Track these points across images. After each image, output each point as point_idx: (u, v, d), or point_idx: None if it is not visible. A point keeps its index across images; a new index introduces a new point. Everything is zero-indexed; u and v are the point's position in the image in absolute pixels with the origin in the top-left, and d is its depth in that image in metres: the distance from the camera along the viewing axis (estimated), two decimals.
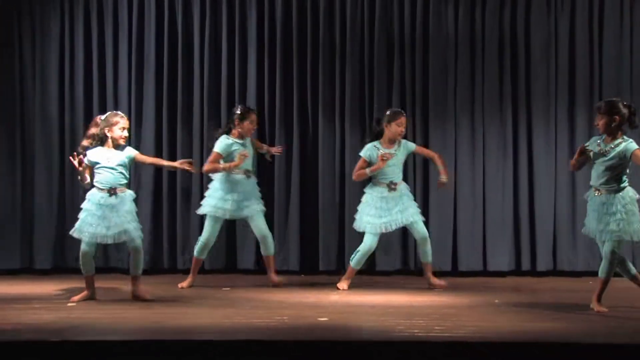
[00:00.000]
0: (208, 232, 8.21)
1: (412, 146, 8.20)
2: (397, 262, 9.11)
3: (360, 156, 8.17)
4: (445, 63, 9.15)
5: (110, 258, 9.15)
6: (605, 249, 6.90)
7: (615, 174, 6.82)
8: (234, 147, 8.11)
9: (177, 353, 5.46)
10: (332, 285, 8.26)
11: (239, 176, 8.16)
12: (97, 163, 7.31)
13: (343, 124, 9.19)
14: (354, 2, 9.19)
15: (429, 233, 8.19)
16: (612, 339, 5.80)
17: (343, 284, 8.13)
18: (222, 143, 8.17)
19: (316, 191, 9.18)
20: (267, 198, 8.66)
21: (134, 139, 8.86)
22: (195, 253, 8.29)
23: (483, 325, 6.21)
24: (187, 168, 7.56)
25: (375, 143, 8.13)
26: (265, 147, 8.57)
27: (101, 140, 7.34)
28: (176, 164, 7.72)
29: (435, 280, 8.10)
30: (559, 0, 9.11)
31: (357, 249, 8.17)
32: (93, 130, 7.36)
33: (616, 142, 6.82)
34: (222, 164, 8.11)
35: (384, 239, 8.79)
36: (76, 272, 8.97)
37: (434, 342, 5.66)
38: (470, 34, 9.16)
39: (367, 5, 9.19)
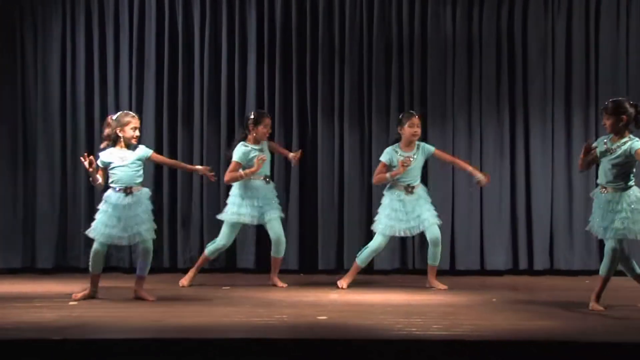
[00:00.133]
0: (226, 237, 8.20)
1: (431, 149, 8.14)
2: (395, 261, 9.14)
3: (380, 161, 8.17)
4: (443, 64, 9.18)
5: (111, 257, 9.12)
6: (607, 246, 6.95)
7: (622, 172, 6.86)
8: (252, 154, 8.11)
9: (178, 352, 5.47)
10: (331, 285, 8.28)
11: (257, 182, 8.17)
12: (111, 163, 7.32)
13: (342, 124, 9.22)
14: (353, 3, 9.22)
15: None
16: (609, 338, 5.82)
17: (343, 282, 8.14)
18: (239, 151, 8.17)
19: (315, 191, 9.20)
20: None
21: None
22: (206, 251, 8.29)
23: (481, 323, 6.22)
24: (209, 174, 7.67)
25: (395, 146, 8.14)
26: (285, 151, 8.53)
27: (114, 141, 7.37)
28: (198, 167, 7.77)
29: (436, 283, 8.10)
30: (556, 1, 9.15)
31: (365, 246, 8.19)
32: (106, 131, 7.39)
33: (623, 140, 6.86)
34: (241, 172, 8.11)
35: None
36: (77, 271, 9.09)
37: (432, 340, 5.68)
38: (468, 35, 9.19)
39: (365, 6, 9.22)
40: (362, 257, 8.17)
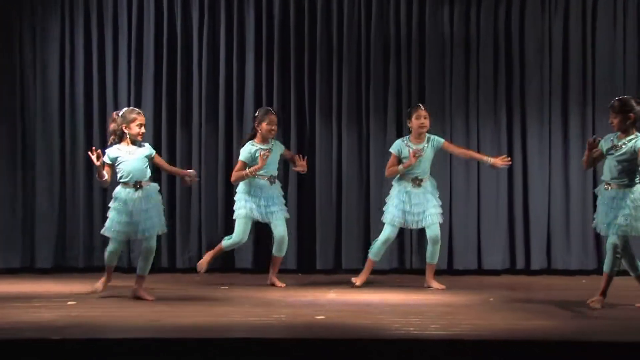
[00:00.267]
0: (240, 234, 8.15)
1: (440, 142, 8.12)
2: (393, 261, 9.15)
3: (390, 152, 8.21)
4: (440, 64, 9.19)
5: None
6: (608, 242, 6.98)
7: (627, 169, 6.90)
8: (258, 153, 8.09)
9: (176, 351, 5.48)
10: (330, 284, 8.31)
11: (262, 181, 8.15)
12: (118, 157, 7.30)
13: (340, 124, 9.23)
14: (351, 2, 9.23)
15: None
16: (607, 337, 5.83)
17: (358, 279, 8.15)
18: (245, 150, 8.19)
19: (313, 190, 9.21)
20: None
21: None
22: (223, 243, 8.27)
23: (478, 323, 6.23)
24: (187, 179, 7.62)
25: (404, 138, 8.17)
26: (293, 157, 8.36)
27: (119, 137, 7.36)
28: (186, 172, 7.74)
29: (434, 283, 8.11)
30: (553, 1, 9.16)
31: (376, 239, 8.20)
32: (112, 127, 7.38)
33: (629, 137, 6.90)
34: (245, 170, 8.11)
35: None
36: (76, 271, 9.11)
37: (430, 340, 5.69)
38: (466, 35, 9.20)
39: (363, 5, 9.23)
40: (374, 250, 8.18)
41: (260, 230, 8.56)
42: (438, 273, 8.30)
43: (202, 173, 9.25)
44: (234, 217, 8.29)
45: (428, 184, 8.11)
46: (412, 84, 9.19)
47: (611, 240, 6.95)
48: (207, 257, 8.31)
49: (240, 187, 8.24)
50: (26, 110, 9.36)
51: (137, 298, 7.34)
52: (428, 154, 8.08)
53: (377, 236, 9.05)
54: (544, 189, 9.12)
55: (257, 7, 9.27)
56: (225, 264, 9.19)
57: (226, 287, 8.16)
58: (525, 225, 9.14)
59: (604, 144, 7.03)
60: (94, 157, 7.20)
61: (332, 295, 7.71)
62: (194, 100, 9.30)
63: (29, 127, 9.35)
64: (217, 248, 8.33)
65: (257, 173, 8.11)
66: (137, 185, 7.32)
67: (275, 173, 8.24)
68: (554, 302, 7.26)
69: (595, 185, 8.60)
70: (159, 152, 8.97)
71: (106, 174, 7.29)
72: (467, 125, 9.16)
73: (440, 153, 8.28)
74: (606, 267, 7.01)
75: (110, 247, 7.48)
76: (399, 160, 8.09)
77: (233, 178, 8.25)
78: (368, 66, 9.22)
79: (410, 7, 9.20)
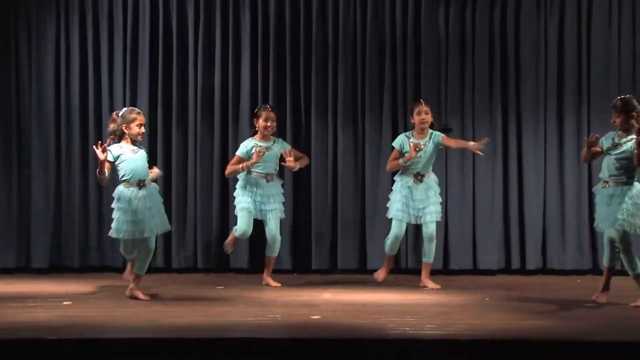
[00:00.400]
0: (241, 227, 8.15)
1: (440, 137, 8.12)
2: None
3: (393, 147, 8.25)
4: (436, 64, 9.19)
5: (105, 257, 9.21)
6: (605, 237, 7.06)
7: (626, 167, 6.96)
8: (254, 149, 8.12)
9: (172, 351, 5.49)
10: (325, 284, 8.32)
11: (258, 178, 8.17)
12: (121, 155, 7.25)
13: (336, 123, 9.23)
14: (346, 2, 9.23)
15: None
16: (602, 337, 5.85)
17: (379, 274, 8.19)
18: (242, 145, 8.22)
19: (309, 190, 9.21)
20: None
21: None
22: (235, 231, 8.26)
23: (474, 323, 6.24)
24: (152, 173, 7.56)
25: (407, 133, 8.20)
26: (287, 155, 8.22)
27: (119, 137, 7.34)
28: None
29: (429, 282, 8.12)
30: (548, 2, 9.18)
31: (387, 236, 8.21)
32: (112, 127, 7.36)
33: (630, 137, 6.97)
34: (240, 165, 8.14)
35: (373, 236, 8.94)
36: (72, 271, 9.11)
37: (426, 340, 5.70)
38: (461, 36, 9.20)
39: (359, 5, 9.23)
40: (388, 247, 8.21)
41: (255, 230, 8.55)
42: (433, 273, 8.30)
43: (198, 172, 9.26)
44: (235, 213, 8.31)
45: (431, 180, 8.14)
46: (408, 84, 9.20)
47: (608, 234, 7.03)
48: (232, 240, 8.31)
49: (238, 183, 8.26)
50: (22, 109, 9.35)
51: (133, 298, 7.33)
52: (429, 149, 8.10)
53: (373, 236, 9.12)
54: (539, 188, 9.13)
55: (253, 6, 9.27)
56: (220, 264, 9.20)
57: (222, 287, 8.15)
58: (521, 225, 9.14)
59: (605, 142, 7.09)
60: (99, 151, 7.15)
61: (328, 295, 7.71)
62: (190, 100, 9.30)
63: (25, 127, 9.34)
64: (231, 235, 8.34)
65: (254, 170, 8.12)
66: (140, 184, 7.30)
67: (272, 171, 8.22)
68: (549, 301, 7.28)
69: (590, 185, 8.62)
70: (154, 151, 9.01)
71: (107, 171, 7.24)
72: (463, 125, 9.16)
73: (437, 153, 8.29)
74: (605, 262, 7.13)
75: (122, 246, 7.44)
76: (401, 155, 8.12)
77: (227, 171, 8.29)
78: (363, 66, 9.23)
79: (406, 7, 9.20)
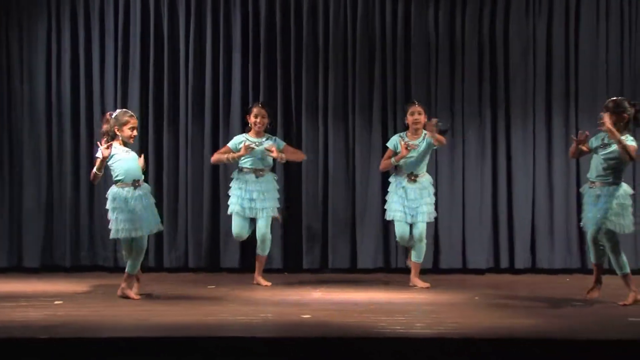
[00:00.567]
0: (234, 230, 8.26)
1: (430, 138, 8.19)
2: (378, 260, 9.19)
3: (387, 147, 8.30)
4: (426, 65, 9.23)
5: (96, 256, 9.22)
6: (588, 235, 7.15)
7: (613, 167, 7.01)
8: (246, 143, 8.17)
9: (163, 350, 5.50)
10: (316, 283, 8.34)
11: (248, 175, 8.23)
12: (114, 155, 7.27)
13: (326, 123, 9.26)
14: (337, 3, 9.26)
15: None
16: (589, 335, 5.88)
17: (421, 283, 8.14)
18: (235, 138, 8.32)
19: (299, 190, 9.24)
20: None
21: None
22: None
23: (463, 321, 6.27)
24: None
25: (401, 134, 8.24)
26: (271, 149, 8.21)
27: (112, 138, 7.35)
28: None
29: (418, 282, 8.14)
30: (537, 4, 9.21)
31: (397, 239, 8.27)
32: (104, 127, 7.37)
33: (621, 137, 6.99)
34: (226, 155, 8.21)
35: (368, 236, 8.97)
36: (64, 271, 9.12)
37: (415, 338, 5.72)
38: (450, 37, 9.24)
39: (349, 6, 9.26)
40: (403, 248, 8.23)
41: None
42: (423, 272, 8.33)
43: (189, 172, 9.28)
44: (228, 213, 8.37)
45: (425, 180, 8.17)
46: (398, 84, 9.22)
47: (591, 234, 7.12)
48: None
49: (232, 182, 8.31)
50: (13, 110, 9.36)
51: (125, 297, 7.34)
52: (423, 149, 8.13)
53: (363, 235, 9.17)
54: (528, 188, 9.17)
55: (244, 7, 9.29)
56: (212, 263, 9.22)
57: (213, 287, 8.17)
58: (510, 225, 9.19)
59: (594, 142, 7.14)
60: (103, 147, 7.17)
61: (318, 294, 7.73)
62: (181, 100, 9.31)
63: (16, 127, 9.35)
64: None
65: (243, 165, 8.18)
66: (135, 183, 7.33)
67: (262, 166, 8.23)
68: (538, 300, 7.33)
69: (579, 185, 8.67)
70: (145, 151, 9.01)
71: (102, 171, 7.29)
72: (452, 126, 9.18)
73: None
74: (593, 259, 7.21)
75: (123, 246, 7.45)
76: (395, 155, 8.16)
77: (213, 158, 8.39)
78: (354, 66, 9.25)
79: (396, 7, 9.24)
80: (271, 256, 8.72)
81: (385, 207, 8.29)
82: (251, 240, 8.45)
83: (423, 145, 8.11)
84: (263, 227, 8.23)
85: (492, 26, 9.24)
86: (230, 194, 8.32)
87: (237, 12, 9.29)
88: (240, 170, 8.26)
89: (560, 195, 9.13)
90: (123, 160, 7.31)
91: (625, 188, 7.05)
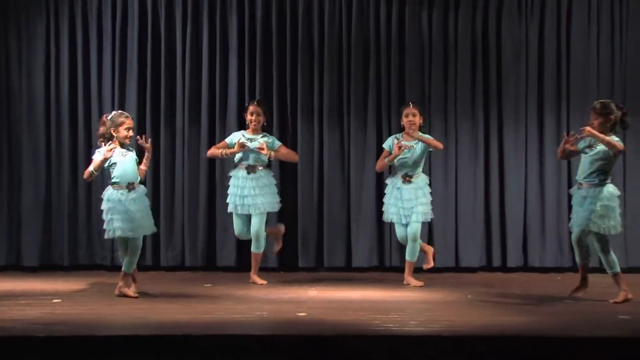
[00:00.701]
0: (235, 227, 8.38)
1: (423, 135, 8.22)
2: (373, 258, 9.23)
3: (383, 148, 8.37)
4: (420, 66, 9.25)
5: (94, 255, 9.25)
6: (572, 237, 7.21)
7: (599, 169, 7.06)
8: (241, 140, 8.25)
9: (160, 347, 5.54)
10: (311, 282, 8.39)
11: (240, 171, 8.29)
12: (112, 157, 7.37)
13: (321, 124, 9.29)
14: (332, 6, 9.28)
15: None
16: (581, 333, 5.93)
17: (414, 281, 8.18)
18: (232, 134, 8.42)
19: (295, 190, 9.27)
20: None
21: None
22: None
23: (456, 319, 6.30)
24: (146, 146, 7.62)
25: (397, 135, 8.28)
26: (263, 146, 8.24)
27: (108, 139, 7.43)
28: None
29: (412, 280, 8.18)
30: (529, 6, 9.24)
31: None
32: (101, 130, 7.45)
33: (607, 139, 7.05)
34: (221, 150, 8.30)
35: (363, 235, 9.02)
36: (62, 269, 9.12)
37: (409, 336, 5.77)
38: (444, 39, 9.26)
39: (344, 9, 9.28)
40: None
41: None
42: (417, 270, 8.35)
43: (186, 172, 9.32)
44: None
45: (420, 181, 8.21)
46: (392, 86, 9.25)
47: (575, 235, 7.17)
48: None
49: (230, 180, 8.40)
50: (12, 111, 9.38)
51: (122, 295, 7.39)
52: (417, 151, 8.18)
53: (358, 234, 9.20)
54: (520, 188, 9.21)
55: (240, 10, 9.31)
56: (208, 262, 9.26)
57: (209, 285, 8.20)
58: (502, 224, 9.22)
59: (582, 143, 7.18)
60: (106, 148, 7.30)
61: (314, 293, 7.77)
62: (178, 102, 9.34)
63: (15, 127, 9.37)
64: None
65: (236, 161, 8.27)
66: (129, 186, 7.40)
67: (254, 163, 8.26)
68: (530, 298, 7.37)
69: (570, 185, 8.71)
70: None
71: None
72: (446, 126, 9.22)
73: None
74: (577, 260, 7.26)
75: (121, 253, 7.54)
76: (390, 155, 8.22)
77: (209, 151, 8.48)
78: (349, 68, 9.28)
79: (390, 10, 9.26)
80: (267, 255, 8.74)
81: (383, 209, 8.35)
82: (248, 239, 8.49)
83: (419, 147, 8.15)
84: (256, 224, 8.26)
85: (484, 28, 9.27)
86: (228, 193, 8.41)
87: (233, 14, 9.32)
88: (235, 167, 8.33)
89: (552, 194, 9.18)
90: (119, 162, 7.38)
91: (610, 189, 7.08)
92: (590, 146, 7.13)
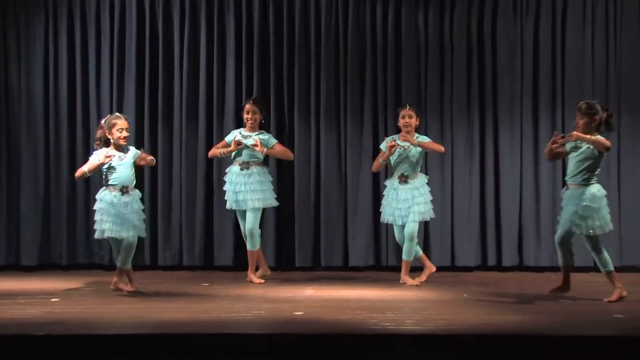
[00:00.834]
0: (241, 225, 8.43)
1: (425, 140, 8.25)
2: (370, 258, 9.26)
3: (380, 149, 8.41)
4: (416, 67, 9.27)
5: (92, 255, 9.27)
6: (555, 238, 7.19)
7: (584, 169, 7.10)
8: (238, 137, 8.31)
9: (158, 346, 5.57)
10: (308, 281, 8.41)
11: (234, 168, 8.34)
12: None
13: (318, 125, 9.31)
14: (328, 7, 9.30)
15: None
16: (575, 331, 5.96)
17: (410, 280, 8.20)
18: (230, 133, 8.48)
19: (292, 190, 9.29)
20: None
21: None
22: None
23: (452, 318, 6.33)
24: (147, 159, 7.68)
25: (395, 136, 8.31)
26: (257, 142, 8.30)
27: (105, 143, 7.51)
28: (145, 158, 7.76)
29: (408, 279, 8.20)
30: (524, 6, 9.27)
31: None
32: (98, 134, 7.57)
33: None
34: (219, 149, 8.37)
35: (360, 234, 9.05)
36: (60, 269, 9.15)
37: (405, 335, 5.79)
38: (440, 39, 9.28)
39: (341, 11, 9.30)
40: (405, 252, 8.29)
41: (239, 229, 8.64)
42: (413, 270, 8.37)
43: (183, 173, 9.35)
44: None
45: (416, 181, 8.23)
46: (388, 87, 9.28)
47: (557, 235, 7.21)
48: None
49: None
50: (11, 111, 9.41)
51: (117, 290, 7.44)
52: (413, 152, 8.21)
53: (355, 234, 9.23)
54: (515, 187, 9.23)
55: (237, 11, 9.34)
56: (206, 261, 9.29)
57: (207, 284, 8.22)
58: (497, 224, 9.24)
59: (569, 143, 7.22)
60: (105, 154, 7.40)
61: (311, 292, 7.79)
62: (175, 102, 9.36)
63: (14, 127, 9.41)
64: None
65: (232, 159, 8.32)
66: (123, 190, 7.46)
67: (247, 159, 8.31)
68: (525, 297, 7.38)
69: (565, 185, 8.75)
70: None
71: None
72: (442, 126, 9.25)
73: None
74: (560, 261, 7.30)
75: (115, 254, 7.63)
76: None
77: (210, 152, 8.56)
78: (345, 69, 9.31)
79: (386, 12, 9.28)
80: (264, 254, 8.76)
81: (381, 209, 8.39)
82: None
83: (415, 148, 8.18)
84: (250, 222, 8.27)
85: (480, 28, 9.28)
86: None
87: (230, 15, 9.34)
88: (231, 164, 8.40)
89: (547, 194, 9.21)
90: (115, 166, 7.46)
91: (593, 190, 7.10)
92: (576, 147, 7.17)
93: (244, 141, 8.29)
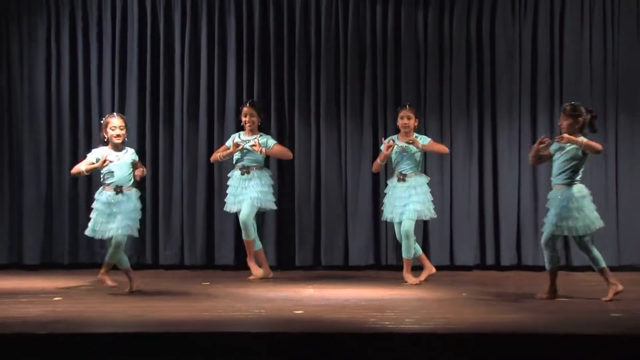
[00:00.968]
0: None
1: (424, 141, 8.30)
2: (369, 257, 9.29)
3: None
4: (415, 67, 9.30)
5: (94, 254, 9.29)
6: (541, 240, 7.22)
7: (568, 169, 7.12)
8: (236, 140, 8.38)
9: (159, 344, 5.58)
10: (308, 280, 8.43)
11: (236, 172, 8.42)
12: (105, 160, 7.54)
13: (318, 125, 9.35)
14: (329, 8, 9.34)
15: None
16: (573, 330, 5.96)
17: (412, 279, 8.23)
18: (231, 137, 8.53)
19: (292, 189, 9.33)
20: None
21: None
22: None
23: (451, 317, 6.34)
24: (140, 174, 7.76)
25: (393, 136, 8.35)
26: (256, 143, 8.40)
27: (105, 143, 7.59)
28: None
29: (410, 278, 8.21)
30: (523, 7, 9.29)
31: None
32: (101, 135, 7.66)
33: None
34: (220, 153, 8.44)
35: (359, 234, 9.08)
36: (62, 268, 9.18)
37: (405, 333, 5.81)
38: (439, 40, 9.31)
39: (341, 11, 9.34)
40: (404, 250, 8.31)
41: (239, 229, 8.67)
42: (412, 269, 8.37)
43: (184, 172, 9.38)
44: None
45: (414, 180, 8.25)
46: (388, 87, 9.31)
47: (542, 237, 7.21)
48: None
49: None
50: (13, 111, 9.45)
51: (101, 281, 7.58)
52: (412, 150, 8.24)
53: (355, 233, 9.26)
54: (513, 187, 9.25)
55: (238, 12, 9.37)
56: (207, 261, 9.32)
57: (208, 283, 8.24)
58: (496, 223, 9.27)
59: (553, 146, 7.26)
60: (103, 157, 7.48)
61: (311, 291, 7.81)
62: (176, 102, 9.40)
63: (16, 128, 9.44)
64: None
65: (234, 162, 8.38)
66: (117, 189, 7.51)
67: (249, 164, 8.37)
68: (523, 296, 7.40)
69: None
70: (142, 152, 9.07)
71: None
72: (441, 126, 9.28)
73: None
74: (546, 265, 7.27)
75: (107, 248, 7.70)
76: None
77: (211, 158, 8.64)
78: (345, 70, 9.34)
79: (386, 12, 9.31)
80: (265, 253, 8.79)
81: (382, 208, 8.43)
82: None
83: (414, 148, 8.21)
84: (245, 214, 8.34)
85: (479, 30, 9.31)
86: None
87: (231, 16, 9.37)
88: (234, 167, 8.43)
89: (545, 194, 8.97)
90: (112, 166, 7.52)
91: (574, 191, 7.10)
92: (560, 148, 7.20)
93: (246, 145, 8.33)
